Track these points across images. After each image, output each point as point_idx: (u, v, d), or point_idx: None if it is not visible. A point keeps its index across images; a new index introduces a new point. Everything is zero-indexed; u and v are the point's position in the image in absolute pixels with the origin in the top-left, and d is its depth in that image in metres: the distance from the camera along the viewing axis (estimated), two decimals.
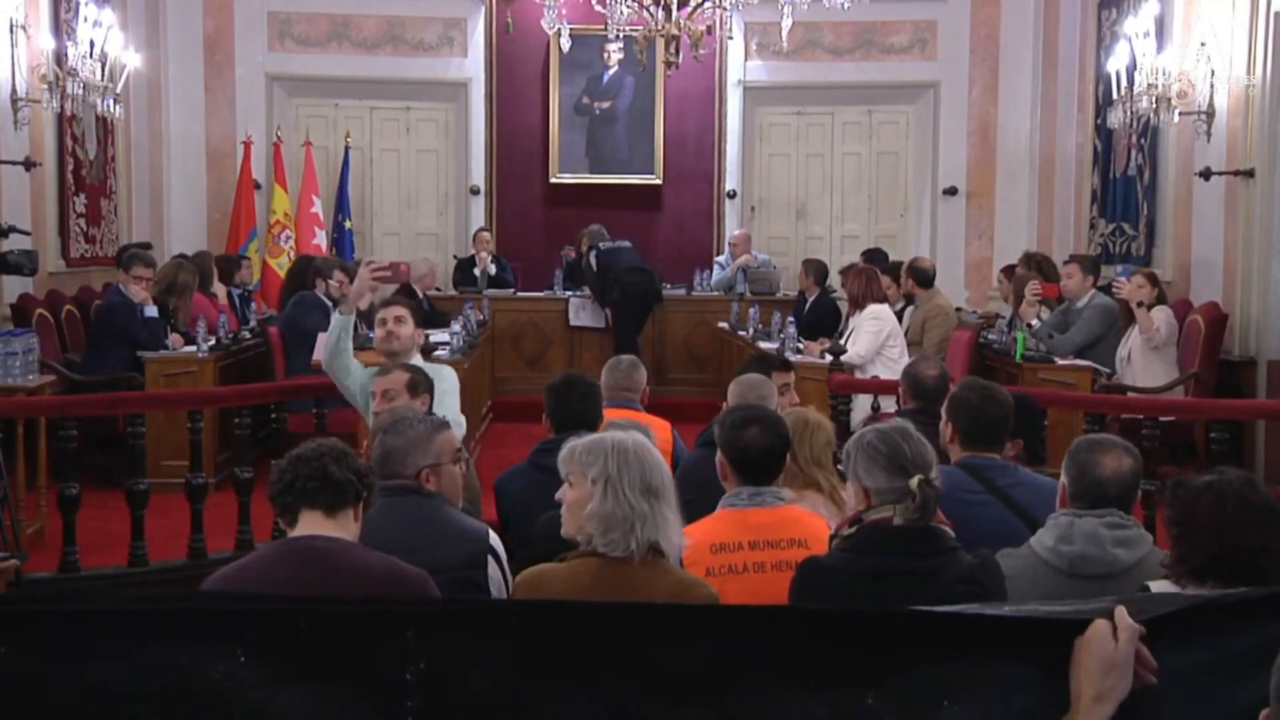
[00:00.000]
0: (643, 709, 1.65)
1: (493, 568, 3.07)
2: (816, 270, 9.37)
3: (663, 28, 7.80)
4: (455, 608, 1.82)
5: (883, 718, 1.64)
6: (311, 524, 2.56)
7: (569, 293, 10.49)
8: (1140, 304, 7.03)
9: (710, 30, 8.30)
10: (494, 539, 3.17)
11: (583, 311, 10.35)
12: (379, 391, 4.28)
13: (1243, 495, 2.28)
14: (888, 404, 6.27)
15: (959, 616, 1.71)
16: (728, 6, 7.85)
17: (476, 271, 10.60)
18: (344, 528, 2.58)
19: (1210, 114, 7.50)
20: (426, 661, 1.62)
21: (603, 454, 2.58)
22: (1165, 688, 1.64)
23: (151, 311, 7.19)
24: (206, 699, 1.60)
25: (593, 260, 10.02)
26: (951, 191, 11.08)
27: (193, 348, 7.13)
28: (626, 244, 10.12)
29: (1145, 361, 6.98)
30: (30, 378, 6.16)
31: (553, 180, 11.14)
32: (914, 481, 2.59)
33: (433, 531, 3.05)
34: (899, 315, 7.97)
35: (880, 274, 7.91)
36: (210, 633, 1.63)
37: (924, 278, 8.36)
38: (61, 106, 7.89)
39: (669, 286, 10.41)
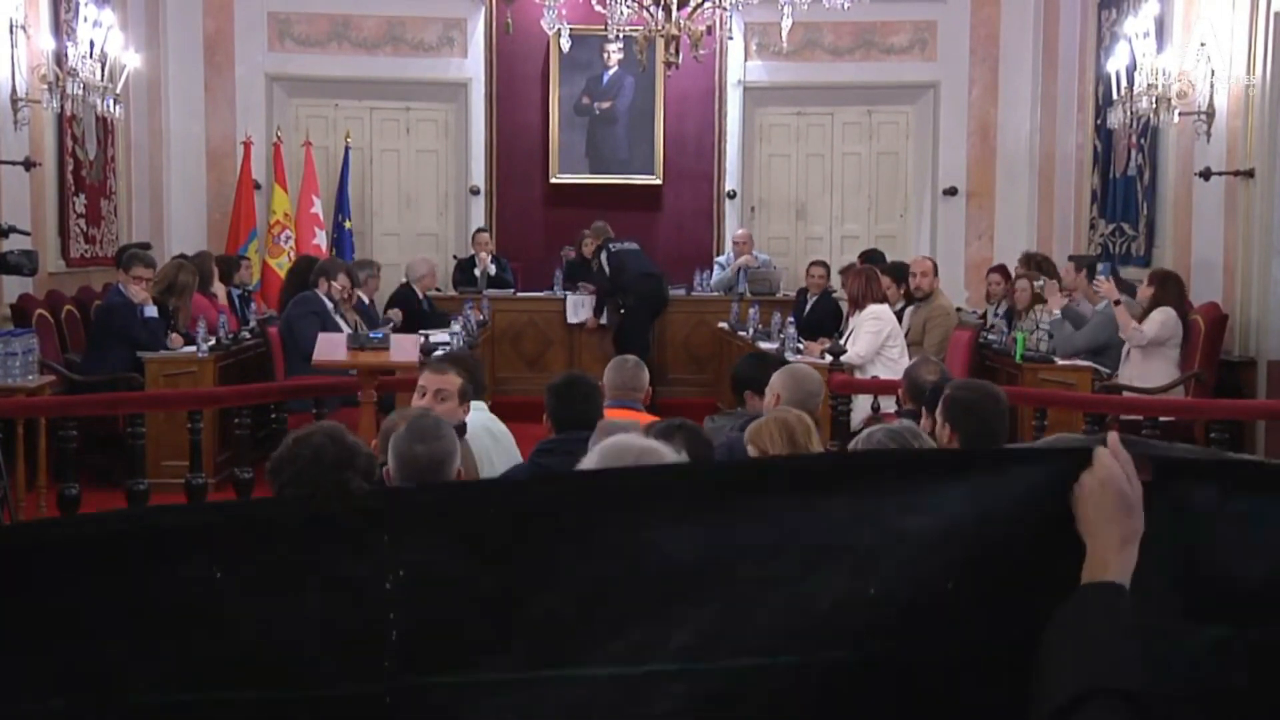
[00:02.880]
0: (636, 605, 1.59)
1: None
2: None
3: (663, 28, 7.79)
4: (430, 503, 1.75)
5: (886, 608, 1.58)
6: None
7: (569, 293, 10.49)
8: (1117, 302, 7.09)
9: (710, 30, 8.30)
10: None
11: (581, 308, 10.36)
12: (430, 389, 4.20)
13: None
14: (887, 404, 6.28)
15: (951, 455, 1.63)
16: (728, 6, 7.84)
17: (476, 272, 10.60)
18: None
19: (1210, 114, 7.49)
20: (406, 568, 1.57)
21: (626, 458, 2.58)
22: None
23: (151, 312, 7.19)
24: (186, 616, 1.59)
25: (604, 261, 10.01)
26: (951, 192, 11.08)
27: (193, 348, 7.13)
28: (634, 245, 10.13)
29: (1144, 361, 6.98)
30: (30, 378, 6.16)
31: (553, 180, 11.13)
32: None
33: None
34: (899, 315, 7.97)
35: (880, 274, 7.92)
36: (182, 549, 1.59)
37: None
38: (61, 107, 7.89)
39: (670, 287, 10.42)
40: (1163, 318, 6.98)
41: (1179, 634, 1.58)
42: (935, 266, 8.47)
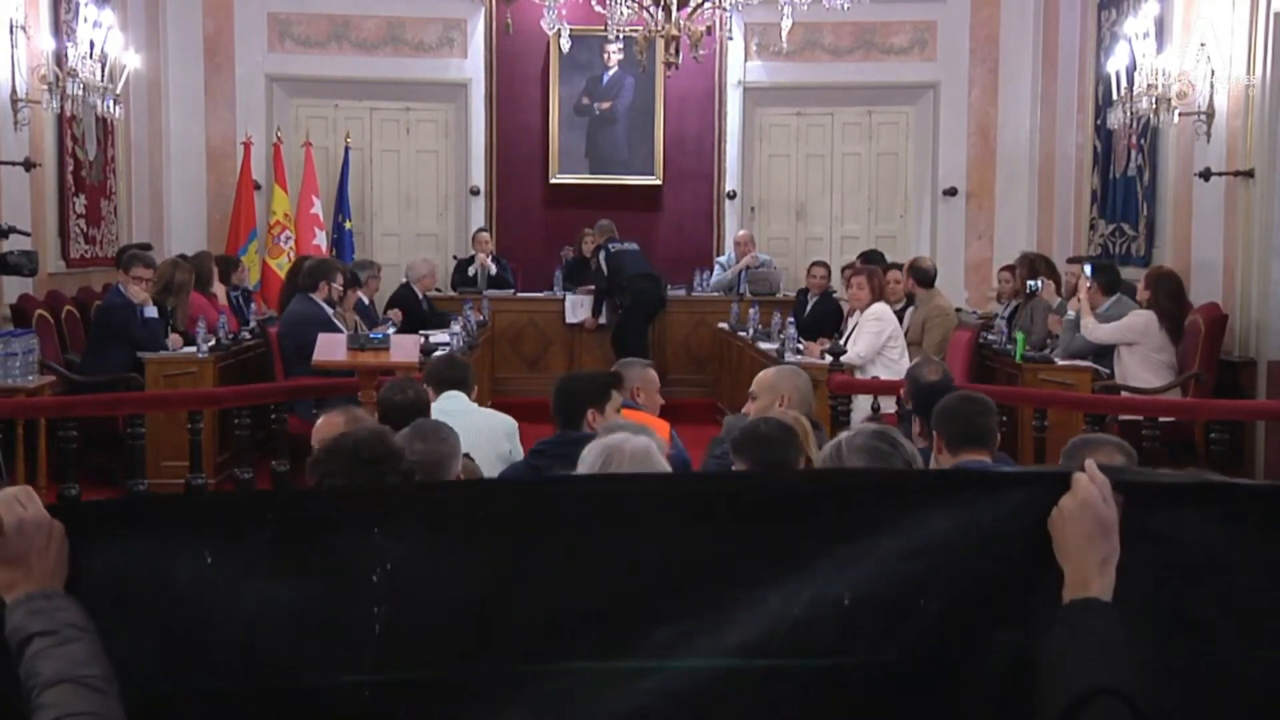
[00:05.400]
0: (613, 604, 1.63)
1: None
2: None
3: (662, 28, 7.79)
4: (419, 499, 1.79)
5: (859, 617, 1.62)
6: None
7: (568, 293, 10.49)
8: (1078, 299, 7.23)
9: (710, 31, 8.29)
10: None
11: (580, 308, 10.35)
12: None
13: None
14: (888, 404, 6.27)
15: (930, 475, 1.68)
16: (728, 7, 7.84)
17: (470, 271, 10.58)
18: None
19: (1210, 114, 7.49)
20: (393, 561, 1.60)
21: (600, 456, 2.59)
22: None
23: (151, 312, 7.18)
24: (177, 600, 1.60)
25: (602, 261, 10.03)
26: (951, 192, 11.08)
27: (193, 348, 7.13)
28: (634, 246, 10.15)
29: (1129, 363, 6.98)
30: (30, 378, 6.16)
31: (553, 181, 11.14)
32: None
33: None
34: (900, 315, 7.97)
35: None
36: (175, 534, 1.62)
37: (924, 277, 8.37)
38: (61, 107, 7.89)
39: (670, 287, 10.43)
40: (1129, 321, 6.97)
41: (1152, 650, 1.60)
42: (920, 268, 8.47)
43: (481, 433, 4.36)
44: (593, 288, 10.27)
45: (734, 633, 1.60)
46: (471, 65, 11.06)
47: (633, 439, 2.68)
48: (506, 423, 4.67)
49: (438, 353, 7.10)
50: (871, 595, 1.61)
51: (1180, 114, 7.66)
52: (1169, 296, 7.06)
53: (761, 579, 1.62)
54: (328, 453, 2.57)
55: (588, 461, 2.61)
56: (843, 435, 2.76)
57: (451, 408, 4.35)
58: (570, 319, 10.38)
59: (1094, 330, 7.04)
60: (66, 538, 1.58)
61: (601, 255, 10.05)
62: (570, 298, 10.40)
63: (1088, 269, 7.53)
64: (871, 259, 9.27)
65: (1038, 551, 1.61)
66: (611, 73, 11.04)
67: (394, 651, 1.60)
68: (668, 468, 2.64)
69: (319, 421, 3.79)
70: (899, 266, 8.82)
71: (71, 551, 1.58)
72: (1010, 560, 1.63)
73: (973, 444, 3.45)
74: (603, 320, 10.25)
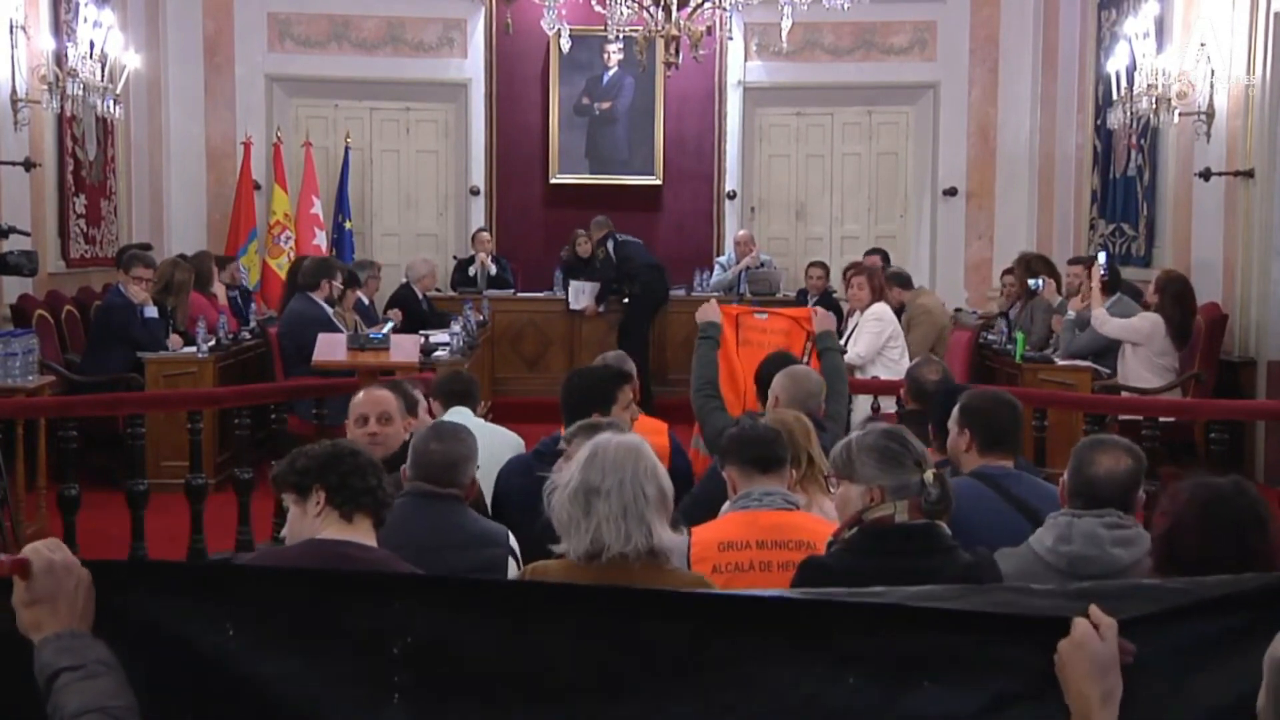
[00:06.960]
0: (627, 684, 1.68)
1: (512, 568, 3.18)
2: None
3: (662, 28, 7.79)
4: (444, 584, 1.85)
5: (864, 695, 1.67)
6: (362, 530, 2.56)
7: (572, 279, 10.46)
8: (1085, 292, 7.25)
9: (710, 31, 8.29)
10: (513, 541, 3.27)
11: (583, 294, 10.33)
12: (371, 415, 3.94)
13: (1229, 499, 2.28)
14: (888, 404, 6.27)
15: (936, 611, 1.74)
16: (728, 7, 7.84)
17: (471, 271, 10.57)
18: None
19: (1210, 114, 7.50)
20: (414, 635, 1.65)
21: (579, 459, 2.60)
22: (1140, 673, 1.67)
23: (151, 312, 7.18)
24: (198, 670, 1.63)
25: (610, 250, 10.05)
26: (951, 192, 11.08)
27: (193, 348, 7.13)
28: (637, 239, 10.18)
29: (1138, 363, 6.98)
30: (30, 378, 6.15)
31: (553, 181, 11.14)
32: (929, 475, 2.60)
33: (465, 536, 3.18)
34: (898, 316, 7.95)
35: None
36: (201, 608, 1.66)
37: (901, 279, 8.30)
38: (61, 107, 7.89)
39: (670, 287, 10.42)
40: (1136, 323, 6.96)
41: None
42: (896, 273, 8.45)
43: (486, 448, 4.36)
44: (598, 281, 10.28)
45: (739, 716, 1.68)
46: (471, 65, 11.06)
47: (617, 438, 2.67)
48: (513, 439, 4.67)
49: (438, 352, 7.12)
50: (875, 680, 1.69)
51: (1180, 114, 7.66)
52: (1174, 301, 6.96)
53: (765, 673, 1.69)
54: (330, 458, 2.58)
55: (580, 462, 2.62)
56: (853, 434, 2.76)
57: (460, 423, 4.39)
58: (574, 305, 10.34)
59: (1105, 323, 6.99)
60: (93, 586, 1.64)
61: (610, 244, 10.08)
62: (574, 284, 10.37)
63: (1102, 256, 7.52)
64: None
65: (1039, 681, 1.67)
66: (611, 73, 11.04)
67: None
68: (657, 463, 2.63)
69: (361, 395, 3.96)
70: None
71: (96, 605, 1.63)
72: (1016, 689, 1.70)
73: (1002, 448, 3.47)
74: (602, 309, 10.25)
